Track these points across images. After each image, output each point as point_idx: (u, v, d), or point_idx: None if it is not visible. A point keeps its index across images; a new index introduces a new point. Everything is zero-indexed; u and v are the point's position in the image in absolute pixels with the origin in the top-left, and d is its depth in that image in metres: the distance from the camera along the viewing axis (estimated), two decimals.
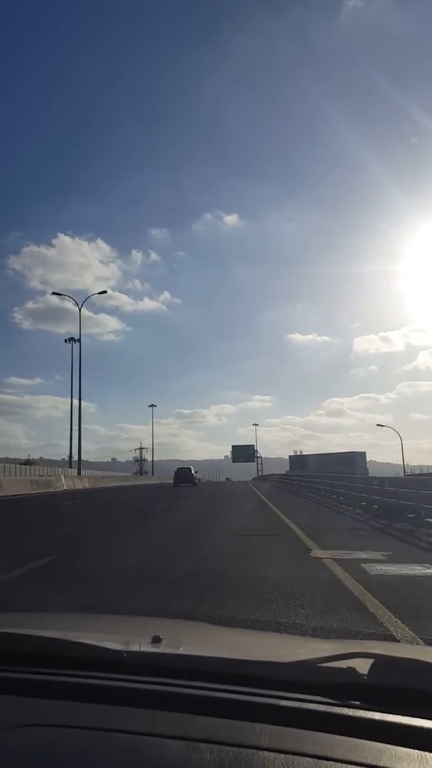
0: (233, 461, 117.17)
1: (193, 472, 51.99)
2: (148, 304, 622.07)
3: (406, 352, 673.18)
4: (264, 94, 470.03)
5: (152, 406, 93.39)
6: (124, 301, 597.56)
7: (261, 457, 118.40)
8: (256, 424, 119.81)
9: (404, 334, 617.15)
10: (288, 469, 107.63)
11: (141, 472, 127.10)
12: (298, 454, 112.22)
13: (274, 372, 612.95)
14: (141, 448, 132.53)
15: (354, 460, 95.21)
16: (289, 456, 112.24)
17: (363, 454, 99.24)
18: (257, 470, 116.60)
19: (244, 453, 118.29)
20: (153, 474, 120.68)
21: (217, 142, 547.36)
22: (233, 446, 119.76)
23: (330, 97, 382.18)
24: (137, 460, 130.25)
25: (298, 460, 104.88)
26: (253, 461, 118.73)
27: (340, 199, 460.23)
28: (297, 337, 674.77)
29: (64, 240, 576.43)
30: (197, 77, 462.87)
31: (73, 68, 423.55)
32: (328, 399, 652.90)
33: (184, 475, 49.90)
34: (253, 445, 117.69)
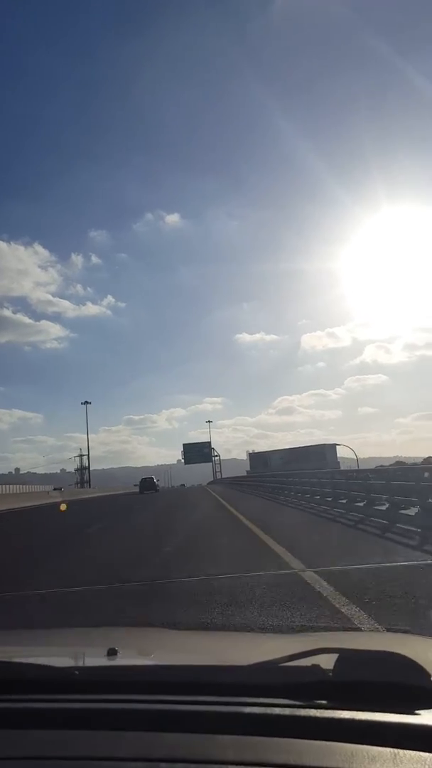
0: (186, 462, 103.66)
1: (155, 481, 61.79)
2: (91, 309, 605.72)
3: (353, 347, 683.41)
4: (201, 87, 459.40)
5: (86, 403, 78.67)
6: (66, 306, 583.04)
7: (218, 456, 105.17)
8: (209, 421, 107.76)
9: (350, 330, 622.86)
10: (248, 469, 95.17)
11: (82, 482, 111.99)
12: (256, 452, 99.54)
13: (224, 373, 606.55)
14: (81, 456, 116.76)
15: (324, 453, 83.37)
16: (249, 453, 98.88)
17: (333, 447, 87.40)
18: (214, 472, 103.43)
19: (197, 453, 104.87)
20: (90, 485, 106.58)
21: (155, 136, 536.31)
22: (185, 445, 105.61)
23: (270, 91, 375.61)
24: (78, 470, 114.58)
25: (259, 459, 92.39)
26: (209, 461, 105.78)
27: (283, 195, 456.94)
28: (245, 336, 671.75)
29: None
30: (133, 69, 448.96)
31: (2, 62, 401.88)
32: (279, 397, 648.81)
33: (148, 483, 58.68)
34: (209, 442, 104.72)
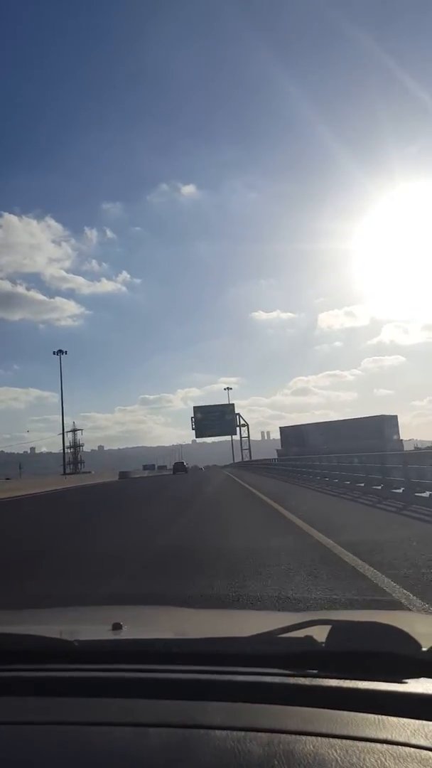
0: (198, 435, 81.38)
1: (185, 464, 74.29)
2: (106, 285, 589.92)
3: (371, 327, 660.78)
4: (219, 51, 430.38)
5: (60, 352, 57.42)
6: (80, 283, 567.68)
7: (247, 426, 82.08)
8: (228, 388, 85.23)
9: (368, 308, 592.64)
10: (279, 448, 74.79)
11: (76, 464, 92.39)
12: (289, 426, 78.73)
13: (239, 352, 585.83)
14: (75, 430, 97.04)
15: (382, 427, 62.56)
16: (281, 429, 77.54)
17: (394, 420, 66.58)
18: (240, 449, 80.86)
19: (215, 420, 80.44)
20: (83, 466, 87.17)
21: (168, 101, 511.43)
22: (197, 409, 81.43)
23: (289, 58, 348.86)
24: (72, 448, 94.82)
25: (293, 435, 71.87)
26: (231, 433, 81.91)
27: (303, 168, 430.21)
28: (261, 314, 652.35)
29: (10, 219, 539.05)
30: (144, 31, 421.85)
31: (9, 27, 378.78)
32: (294, 378, 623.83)
33: (180, 466, 70.68)
34: (232, 405, 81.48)
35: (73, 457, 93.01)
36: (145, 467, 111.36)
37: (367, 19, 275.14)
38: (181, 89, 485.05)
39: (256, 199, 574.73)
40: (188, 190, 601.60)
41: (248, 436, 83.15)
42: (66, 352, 59.58)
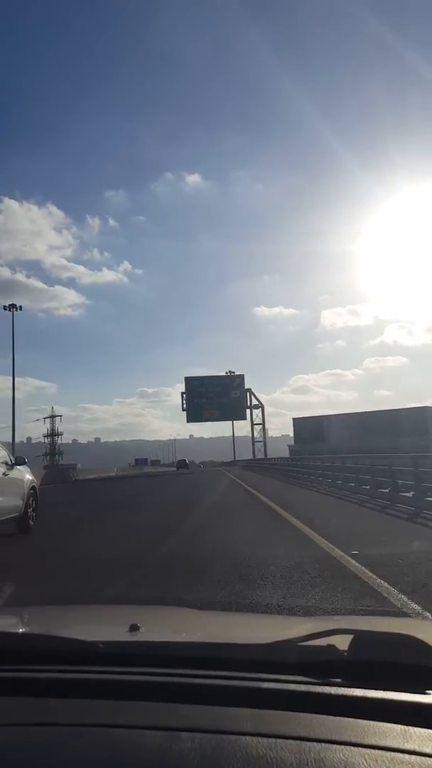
0: (189, 419, 63.04)
1: (187, 462, 76.28)
2: (107, 275, 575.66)
3: (374, 326, 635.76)
4: (226, 34, 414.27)
5: (11, 307, 44.43)
6: (80, 272, 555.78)
7: (261, 407, 63.57)
8: (230, 371, 66.26)
9: (373, 307, 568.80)
10: (293, 444, 61.91)
11: (53, 456, 79.68)
12: (305, 417, 65.46)
13: (241, 347, 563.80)
14: (53, 416, 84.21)
15: (426, 420, 49.99)
16: (294, 420, 63.88)
17: None
18: (252, 442, 64.31)
19: (215, 398, 61.07)
20: (61, 458, 74.65)
21: (175, 89, 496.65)
22: (188, 380, 64.57)
23: (300, 44, 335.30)
24: (48, 436, 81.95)
25: (310, 428, 59.08)
26: (239, 417, 63.92)
27: (311, 162, 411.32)
28: (263, 310, 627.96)
29: (10, 205, 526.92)
30: (152, 11, 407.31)
31: (13, 9, 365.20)
32: (294, 376, 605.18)
33: (182, 463, 70.97)
34: (241, 377, 63.11)
35: (50, 448, 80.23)
36: (137, 461, 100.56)
37: (381, 9, 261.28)
38: (188, 78, 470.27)
39: (262, 191, 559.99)
40: (193, 179, 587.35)
41: (263, 423, 62.61)
42: (20, 307, 46.87)
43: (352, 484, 17.53)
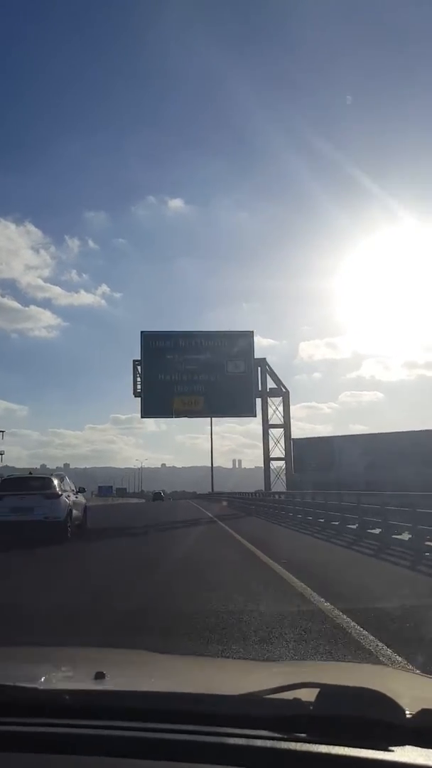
0: (145, 413, 35.24)
1: (162, 494, 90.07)
2: (84, 297, 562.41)
3: (352, 360, 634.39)
4: (213, 58, 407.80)
5: None
6: (57, 293, 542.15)
7: (286, 394, 37.40)
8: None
9: (351, 341, 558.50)
10: (293, 472, 44.66)
11: None
12: (307, 439, 48.36)
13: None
14: None
15: None
16: (293, 441, 45.51)
17: None
18: (265, 463, 40.18)
19: (195, 376, 32.42)
20: None
21: (161, 110, 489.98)
22: (145, 338, 37.45)
23: (289, 74, 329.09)
24: None
25: (316, 452, 42.02)
26: (247, 414, 36.84)
27: (296, 192, 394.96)
28: None
29: None
30: (137, 29, 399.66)
31: None
32: (269, 407, 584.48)
33: (158, 496, 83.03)
34: (250, 333, 34.50)
35: None
36: (101, 489, 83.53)
37: (367, 47, 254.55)
38: (175, 101, 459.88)
39: (245, 219, 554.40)
40: (175, 204, 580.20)
41: (284, 423, 37.63)
42: None
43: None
